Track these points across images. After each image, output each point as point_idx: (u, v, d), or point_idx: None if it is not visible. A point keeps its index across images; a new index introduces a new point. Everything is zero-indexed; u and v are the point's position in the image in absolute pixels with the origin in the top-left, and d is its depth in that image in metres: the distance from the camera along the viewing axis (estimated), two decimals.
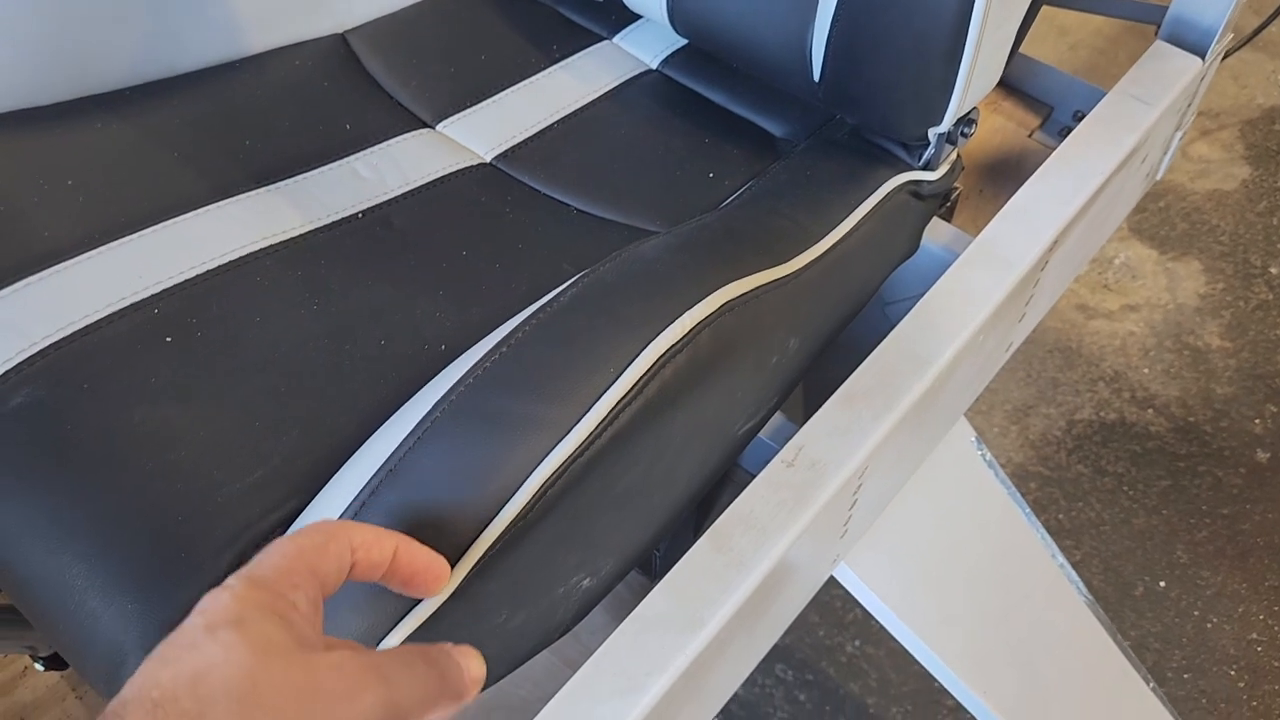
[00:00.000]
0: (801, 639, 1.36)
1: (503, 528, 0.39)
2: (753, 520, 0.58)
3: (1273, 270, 1.73)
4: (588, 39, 0.74)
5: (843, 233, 0.60)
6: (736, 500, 0.59)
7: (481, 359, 0.43)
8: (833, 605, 1.42)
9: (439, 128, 0.66)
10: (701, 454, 0.54)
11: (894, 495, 0.75)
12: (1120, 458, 1.50)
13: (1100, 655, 0.86)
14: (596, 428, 0.41)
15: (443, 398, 0.41)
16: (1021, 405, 1.55)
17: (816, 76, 0.63)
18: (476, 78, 0.69)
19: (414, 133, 0.65)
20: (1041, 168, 0.74)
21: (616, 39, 0.75)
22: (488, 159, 0.64)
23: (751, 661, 0.67)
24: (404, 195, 0.60)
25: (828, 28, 0.59)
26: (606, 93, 0.70)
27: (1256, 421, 1.56)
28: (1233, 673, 1.33)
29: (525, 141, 0.66)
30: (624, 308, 0.45)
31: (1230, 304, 1.68)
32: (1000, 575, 0.84)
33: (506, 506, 0.39)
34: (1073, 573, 0.87)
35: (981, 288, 0.68)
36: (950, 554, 0.81)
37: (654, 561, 0.67)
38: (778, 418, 0.67)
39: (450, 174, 0.62)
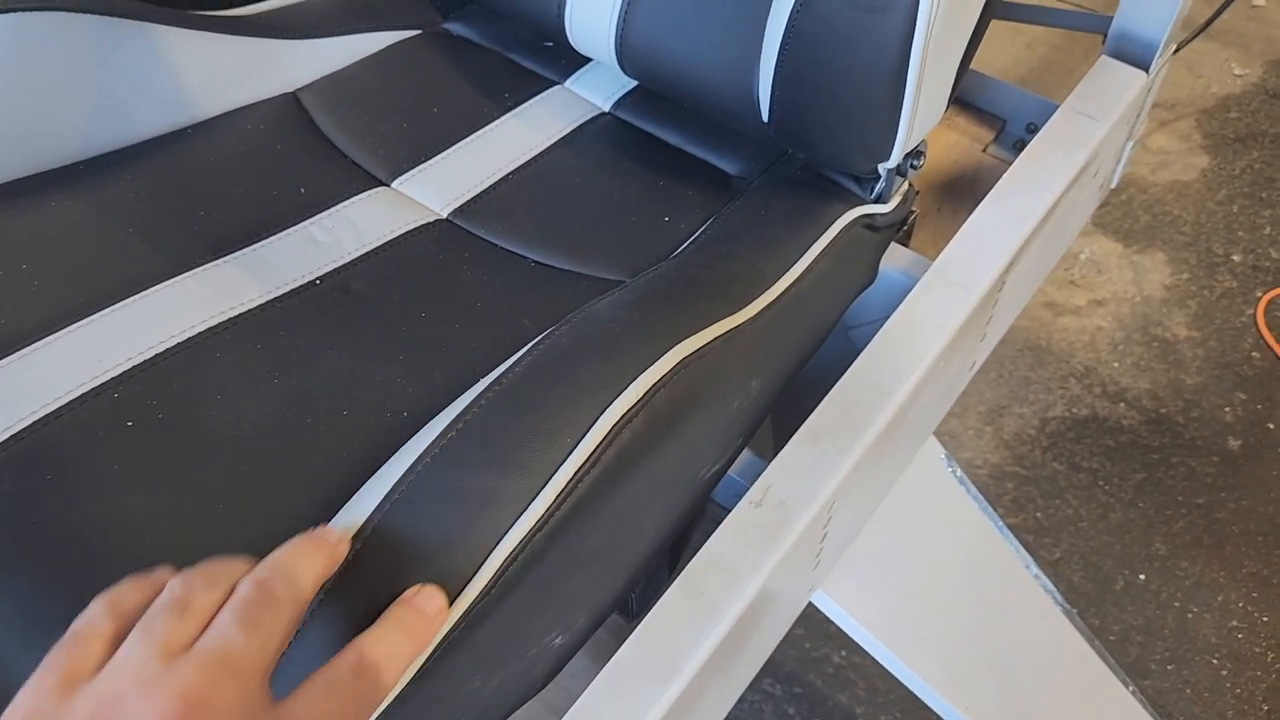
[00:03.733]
0: (787, 652, 1.37)
1: (468, 604, 0.40)
2: (723, 563, 0.59)
3: (1235, 258, 1.75)
4: (540, 85, 0.75)
5: (798, 272, 0.61)
6: (707, 544, 0.59)
7: (441, 433, 0.43)
8: (816, 617, 1.43)
9: (394, 185, 0.66)
10: (668, 503, 0.55)
11: (866, 520, 0.76)
12: (1094, 453, 1.52)
13: (1079, 662, 0.87)
14: (557, 498, 0.42)
15: (402, 476, 0.42)
16: (995, 406, 1.56)
17: (765, 117, 0.64)
18: (430, 132, 0.69)
19: (370, 192, 0.65)
20: (994, 190, 0.75)
21: (568, 83, 0.76)
22: (444, 215, 0.65)
23: (735, 692, 0.68)
24: (361, 258, 0.60)
25: (772, 71, 0.59)
26: (560, 139, 0.71)
27: (1227, 410, 1.58)
28: (1215, 661, 1.35)
29: (481, 195, 0.66)
30: (580, 373, 0.45)
31: (1195, 293, 1.70)
32: (977, 590, 0.85)
33: (470, 583, 0.40)
34: (1048, 582, 0.88)
35: (940, 314, 0.69)
36: (926, 572, 0.82)
37: (631, 603, 0.68)
38: (746, 454, 0.67)
39: (407, 233, 0.63)
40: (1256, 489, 1.50)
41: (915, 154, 0.65)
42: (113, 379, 0.51)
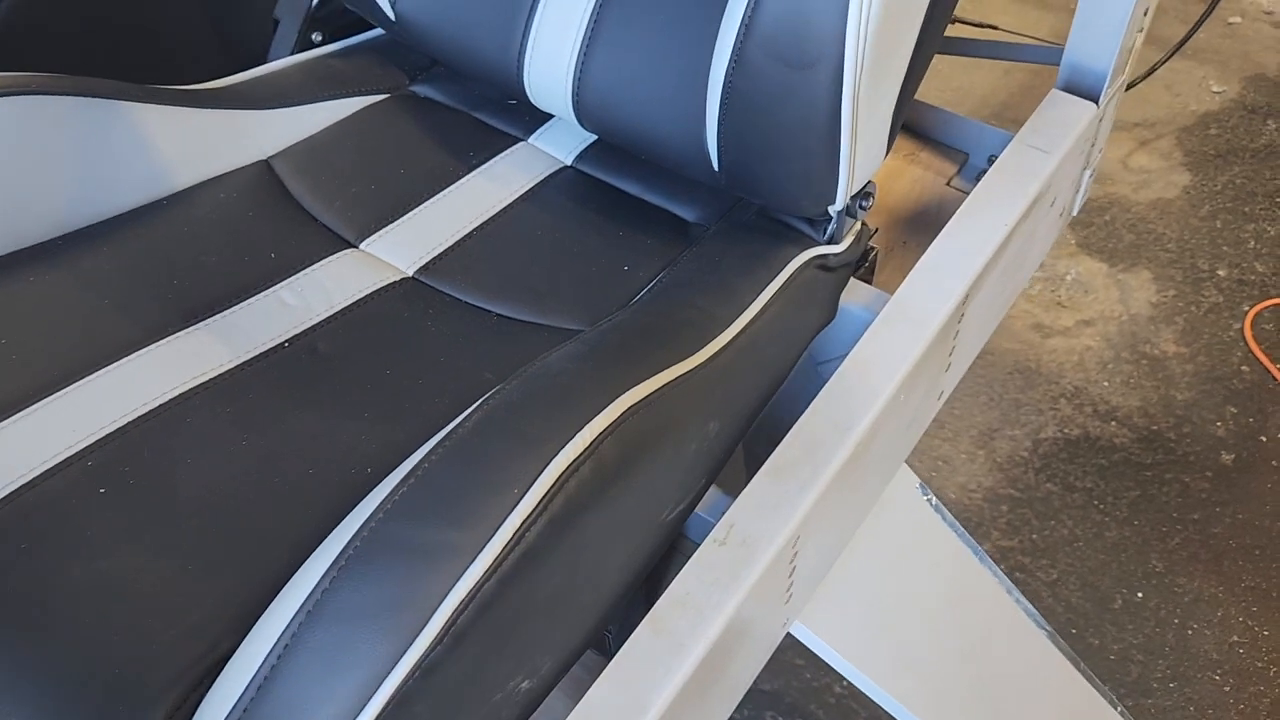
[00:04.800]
0: (789, 683, 1.37)
1: (418, 656, 0.41)
2: (689, 601, 0.60)
3: (1220, 272, 1.76)
4: (504, 142, 0.77)
5: (751, 315, 0.62)
6: (673, 582, 0.61)
7: (393, 489, 0.45)
8: None
9: (363, 246, 0.69)
10: (631, 545, 0.56)
11: (839, 552, 0.77)
12: (1088, 472, 1.52)
13: (1065, 684, 0.88)
14: (504, 549, 0.43)
15: (356, 532, 0.43)
16: (986, 429, 1.57)
17: (716, 166, 0.66)
18: (397, 192, 0.72)
19: (338, 254, 0.67)
20: (948, 225, 0.77)
21: (532, 139, 0.78)
22: (410, 273, 0.67)
23: None
24: (328, 319, 0.62)
25: (716, 125, 0.62)
26: (523, 194, 0.73)
27: (1218, 424, 1.58)
28: (1217, 677, 1.35)
29: (445, 252, 0.68)
30: (528, 425, 0.47)
31: (1182, 309, 1.71)
32: (958, 617, 0.85)
33: (420, 635, 0.41)
34: (1030, 607, 0.88)
35: (897, 349, 0.70)
36: (905, 601, 0.83)
37: (608, 641, 0.69)
38: (714, 492, 0.69)
39: (374, 292, 0.65)
40: (1251, 502, 1.50)
41: (863, 195, 0.67)
42: (86, 448, 0.53)
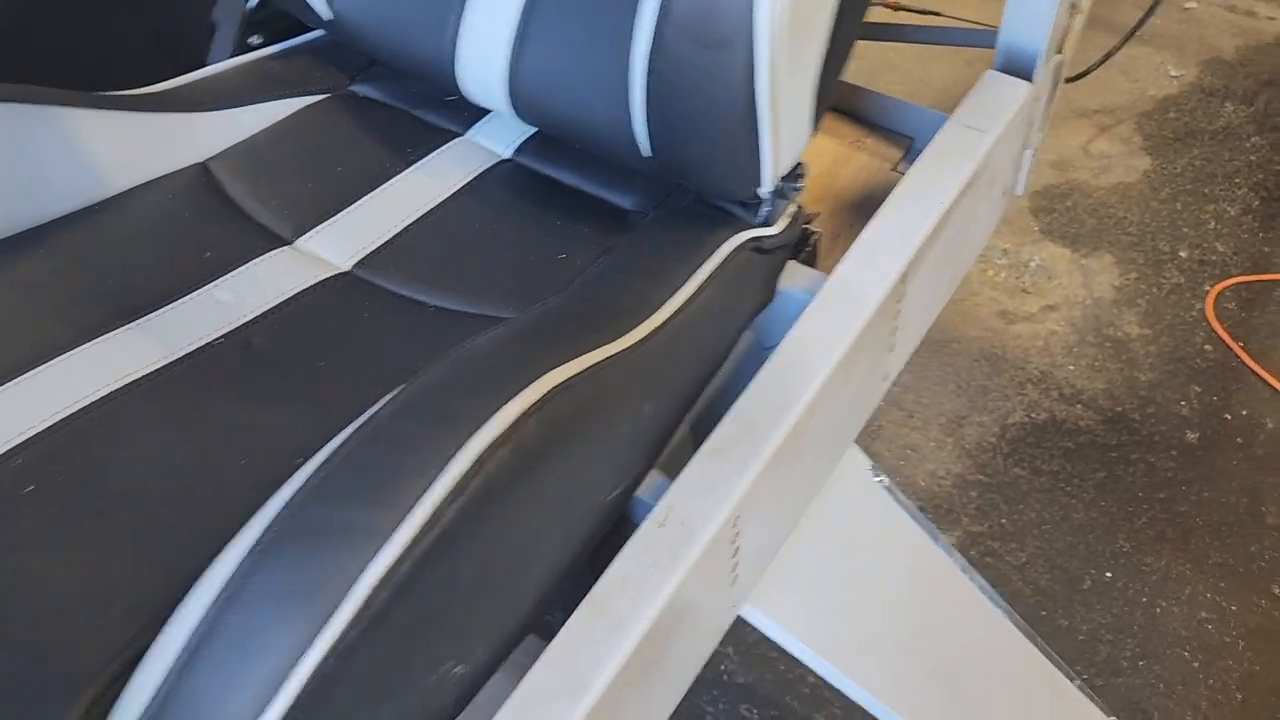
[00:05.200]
0: (763, 676, 1.37)
1: (334, 638, 0.41)
2: (628, 583, 0.60)
3: (1182, 254, 1.78)
4: (443, 138, 0.78)
5: (685, 297, 0.63)
6: (613, 564, 0.61)
7: (312, 473, 0.45)
8: None
9: (298, 243, 0.69)
10: (564, 528, 0.56)
11: (788, 534, 0.78)
12: (1054, 455, 1.53)
13: (1025, 663, 0.88)
14: (421, 529, 0.43)
15: (275, 516, 0.44)
16: (954, 416, 1.58)
17: (647, 152, 0.66)
18: (335, 190, 0.72)
19: (274, 252, 0.67)
20: (884, 204, 0.77)
21: (470, 134, 0.78)
22: (347, 268, 0.67)
23: (658, 713, 0.69)
24: (263, 315, 0.62)
25: (644, 111, 0.62)
26: (462, 188, 0.73)
27: (1182, 404, 1.59)
28: (1186, 654, 1.35)
29: (382, 247, 0.68)
30: (450, 406, 0.47)
31: (1145, 291, 1.72)
32: (915, 598, 0.86)
33: (335, 616, 0.41)
34: (988, 587, 0.89)
35: (835, 328, 0.71)
36: (861, 583, 0.83)
37: (552, 626, 0.69)
38: (656, 475, 0.69)
39: (309, 288, 0.65)
40: (1217, 480, 1.51)
41: (794, 176, 0.67)
42: (14, 447, 0.53)
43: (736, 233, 0.67)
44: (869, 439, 1.55)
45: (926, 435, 1.57)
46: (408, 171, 0.74)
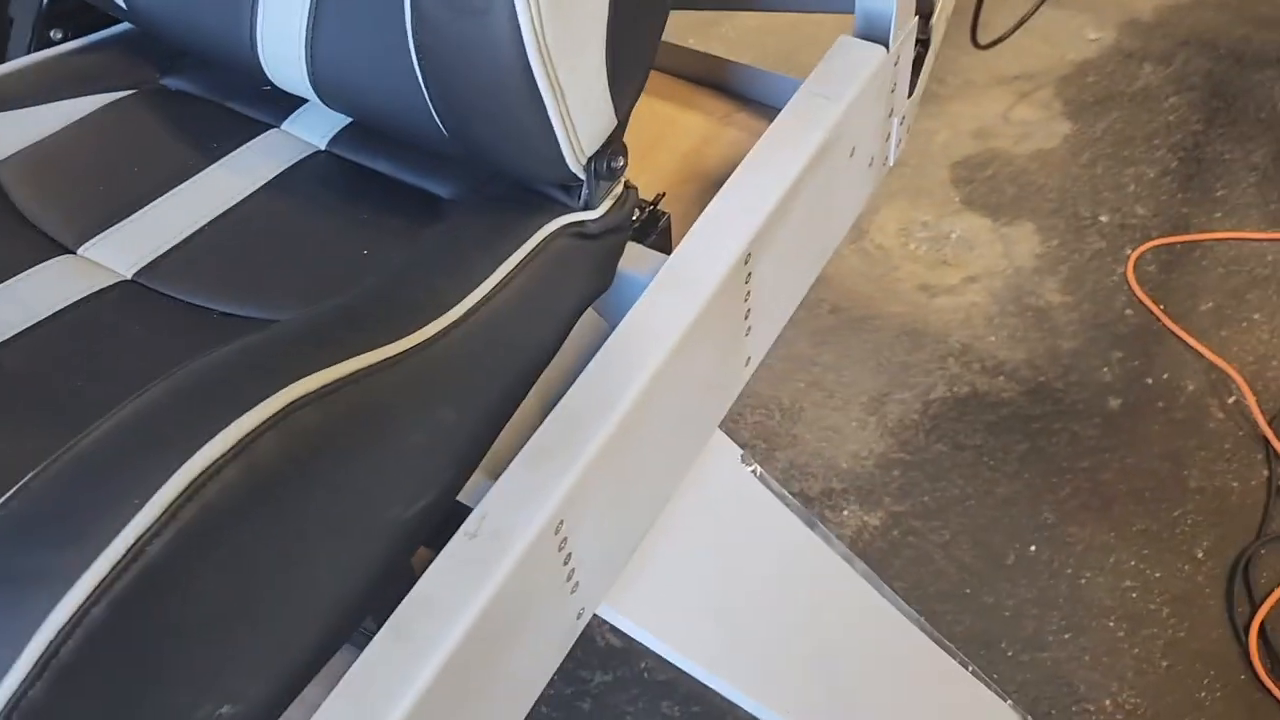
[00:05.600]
0: (684, 672, 1.33)
1: (10, 693, 0.36)
2: (433, 602, 0.55)
3: (1103, 218, 1.74)
4: (255, 130, 0.72)
5: (487, 290, 0.57)
6: (418, 583, 0.56)
7: None
8: None
9: (81, 252, 0.63)
10: (349, 548, 0.51)
11: (645, 530, 0.73)
12: (976, 429, 1.49)
13: (914, 653, 0.84)
14: (114, 567, 0.38)
15: None
16: (876, 395, 1.54)
17: (446, 134, 0.61)
18: (127, 192, 0.66)
19: (48, 262, 0.62)
20: (728, 180, 0.72)
21: (285, 125, 0.73)
22: (127, 276, 0.61)
23: None
24: (23, 333, 0.57)
25: (424, 86, 0.57)
26: (268, 183, 0.68)
27: (1104, 370, 1.55)
28: (1111, 624, 1.32)
29: (170, 251, 0.63)
30: (165, 426, 0.42)
31: (1066, 258, 1.69)
32: (791, 590, 0.81)
33: (9, 674, 0.36)
34: (873, 574, 0.84)
35: (671, 313, 0.66)
36: (731, 576, 0.78)
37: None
38: (480, 480, 0.64)
39: (82, 299, 0.59)
40: (1140, 445, 1.47)
41: (612, 155, 0.62)
42: None
43: (553, 218, 0.62)
44: (790, 422, 1.51)
45: (848, 415, 1.52)
46: (212, 168, 0.68)
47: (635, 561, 0.73)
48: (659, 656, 1.46)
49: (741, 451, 0.81)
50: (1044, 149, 1.86)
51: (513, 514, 0.57)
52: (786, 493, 0.82)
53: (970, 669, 0.84)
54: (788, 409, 1.52)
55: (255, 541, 0.44)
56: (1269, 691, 1.25)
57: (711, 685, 0.77)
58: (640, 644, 0.77)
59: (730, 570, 0.78)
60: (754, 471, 0.81)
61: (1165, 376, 1.54)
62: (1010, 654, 1.29)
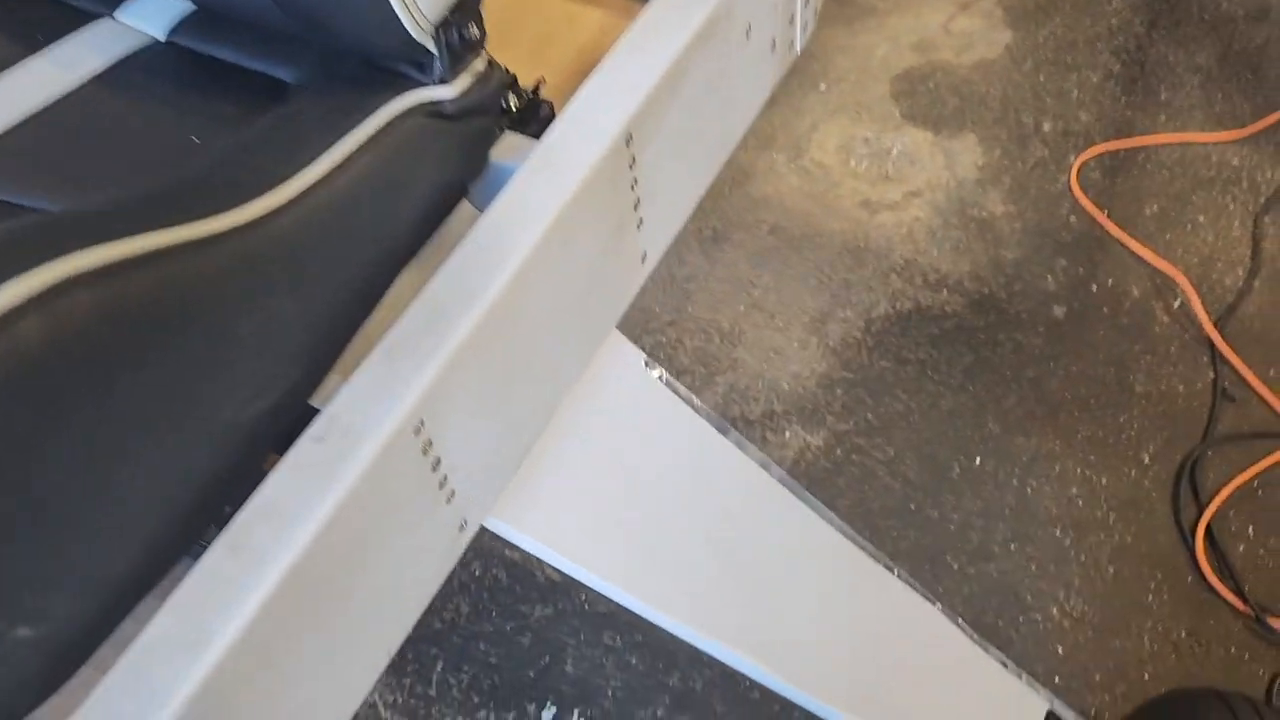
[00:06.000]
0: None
1: None
2: (273, 511, 0.50)
3: (1045, 126, 1.68)
4: (82, 19, 0.65)
5: (323, 170, 0.51)
6: (257, 491, 0.51)
7: None
8: None
9: None
10: (170, 453, 0.46)
11: (530, 437, 0.67)
12: (920, 344, 1.45)
13: (831, 551, 0.79)
14: None
15: None
16: (818, 314, 1.49)
17: (280, 9, 0.54)
18: None
19: None
20: (605, 59, 0.66)
21: (118, 13, 0.66)
22: None
23: (379, 649, 0.59)
24: None
25: None
26: (95, 77, 0.61)
27: (1048, 278, 1.51)
28: (1058, 533, 1.29)
29: None
30: None
31: (1008, 168, 1.63)
32: (703, 499, 0.76)
33: None
34: (793, 480, 0.80)
35: (541, 197, 0.60)
36: (636, 487, 0.73)
37: None
38: (336, 380, 0.58)
39: None
40: (1084, 352, 1.44)
41: (462, 24, 0.56)
42: None
43: (401, 94, 0.56)
44: (730, 345, 1.46)
45: (789, 336, 1.47)
46: (28, 60, 0.61)
47: (527, 471, 0.68)
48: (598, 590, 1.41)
49: (645, 356, 0.76)
50: (986, 59, 1.80)
51: (364, 414, 0.52)
52: (695, 398, 0.77)
53: (896, 572, 0.80)
54: (727, 332, 1.47)
55: (29, 439, 0.38)
56: (1215, 592, 1.22)
57: (622, 602, 0.73)
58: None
59: (636, 480, 0.73)
60: (659, 377, 0.76)
61: (1110, 283, 1.50)
62: (956, 567, 1.26)
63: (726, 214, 1.59)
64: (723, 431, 0.76)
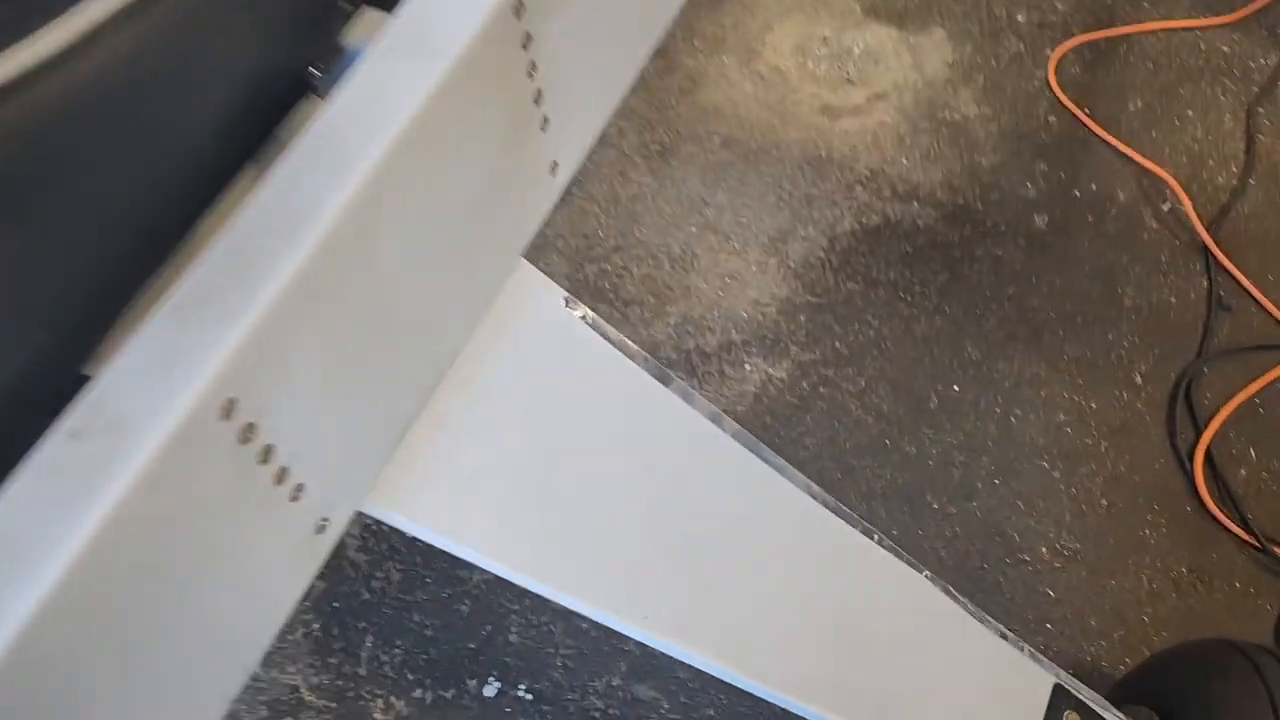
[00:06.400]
0: None
1: None
2: (8, 543, 0.34)
3: (1020, 18, 1.52)
4: None
5: (47, 51, 0.35)
6: None
7: None
8: None
9: None
10: None
11: (413, 401, 0.52)
12: (890, 263, 1.30)
13: (802, 520, 0.66)
14: None
15: None
16: (777, 234, 1.33)
17: None
18: None
19: None
20: None
21: None
22: None
23: (217, 689, 0.44)
24: None
25: None
26: None
27: (1028, 185, 1.36)
28: (1045, 464, 1.16)
29: None
30: None
31: (981, 65, 1.47)
32: (642, 465, 0.62)
33: None
34: (745, 433, 0.65)
35: (399, 87, 0.44)
36: (556, 455, 0.59)
37: None
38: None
39: None
40: (1068, 265, 1.30)
41: None
42: None
43: None
44: (682, 272, 1.30)
45: (747, 259, 1.32)
46: None
47: (415, 445, 0.53)
48: None
49: (565, 294, 0.60)
50: None
51: (140, 398, 0.36)
52: (630, 342, 0.62)
53: (875, 537, 0.66)
54: (678, 257, 1.31)
55: None
56: (1217, 522, 1.11)
57: (550, 597, 0.59)
58: None
59: (557, 446, 0.58)
60: (584, 317, 0.60)
61: (1094, 187, 1.36)
62: (936, 507, 1.14)
63: (674, 126, 1.42)
64: (663, 381, 0.61)
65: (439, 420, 0.53)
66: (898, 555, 0.67)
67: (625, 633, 0.60)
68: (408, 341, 0.49)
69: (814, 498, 0.65)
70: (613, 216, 1.35)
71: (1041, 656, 0.70)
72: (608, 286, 1.28)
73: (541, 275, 0.59)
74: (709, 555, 0.61)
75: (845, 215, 1.35)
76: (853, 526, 0.66)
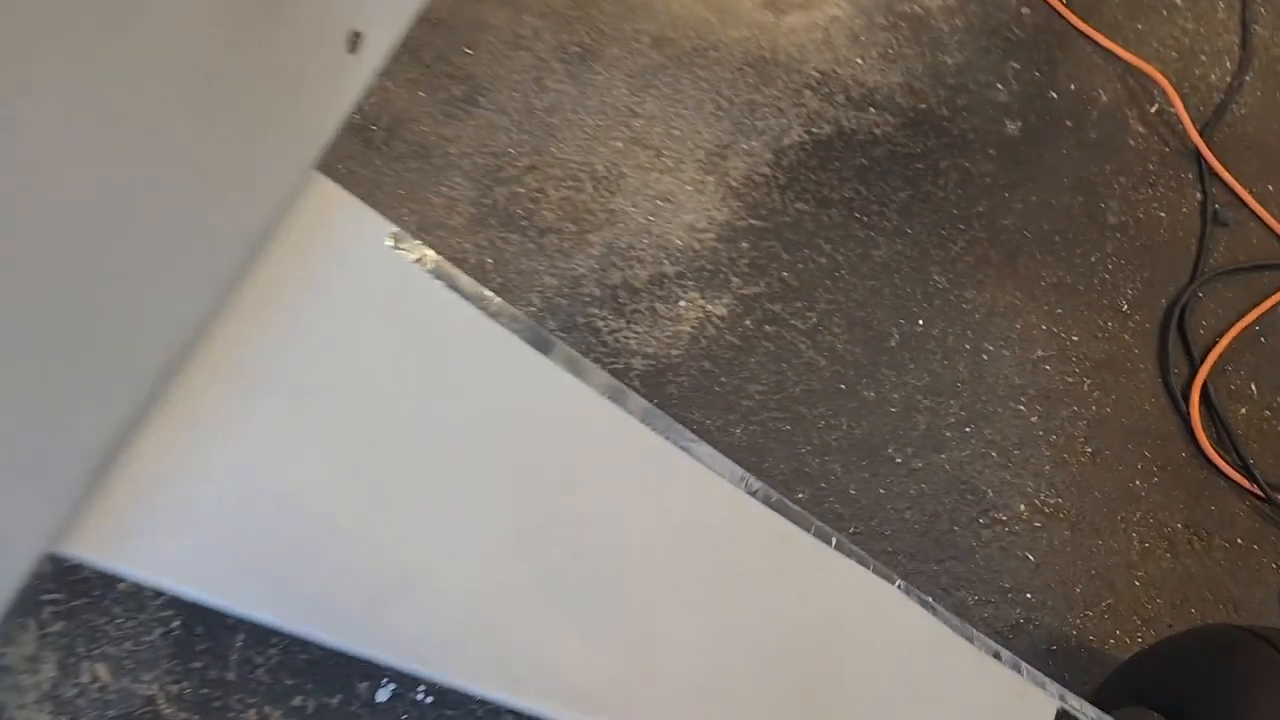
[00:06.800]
0: None
1: None
2: None
3: None
4: None
5: None
6: None
7: None
8: None
9: None
10: None
11: (127, 404, 0.34)
12: (846, 179, 1.12)
13: (735, 525, 0.49)
14: None
15: None
16: (715, 147, 1.14)
17: None
18: None
19: None
20: None
21: None
22: None
23: None
24: None
25: None
26: None
27: (999, 87, 1.18)
28: (1022, 407, 1.01)
29: None
30: None
31: None
32: (514, 465, 0.44)
33: None
34: (657, 412, 0.47)
35: None
36: (384, 456, 0.40)
37: None
38: None
39: None
40: (1045, 177, 1.13)
41: None
42: None
43: None
44: (606, 193, 1.10)
45: (681, 178, 1.13)
46: None
47: (136, 462, 0.34)
48: None
49: (393, 228, 0.41)
50: None
51: None
52: (492, 294, 0.43)
53: (834, 541, 0.50)
54: (603, 177, 1.11)
55: None
56: (1215, 468, 0.96)
57: (379, 660, 0.41)
58: None
59: (384, 446, 0.40)
60: (420, 261, 0.42)
61: (1073, 88, 1.18)
62: (899, 460, 0.98)
63: (597, 24, 1.21)
64: (542, 348, 0.43)
65: (173, 423, 0.35)
66: (863, 563, 0.51)
67: (488, 697, 0.43)
68: (110, 300, 0.30)
69: (753, 495, 0.48)
70: (526, 131, 1.14)
71: (1041, 675, 0.54)
72: (520, 212, 1.08)
73: (353, 200, 0.40)
74: (613, 593, 0.43)
75: (793, 125, 1.16)
76: (805, 529, 0.49)
